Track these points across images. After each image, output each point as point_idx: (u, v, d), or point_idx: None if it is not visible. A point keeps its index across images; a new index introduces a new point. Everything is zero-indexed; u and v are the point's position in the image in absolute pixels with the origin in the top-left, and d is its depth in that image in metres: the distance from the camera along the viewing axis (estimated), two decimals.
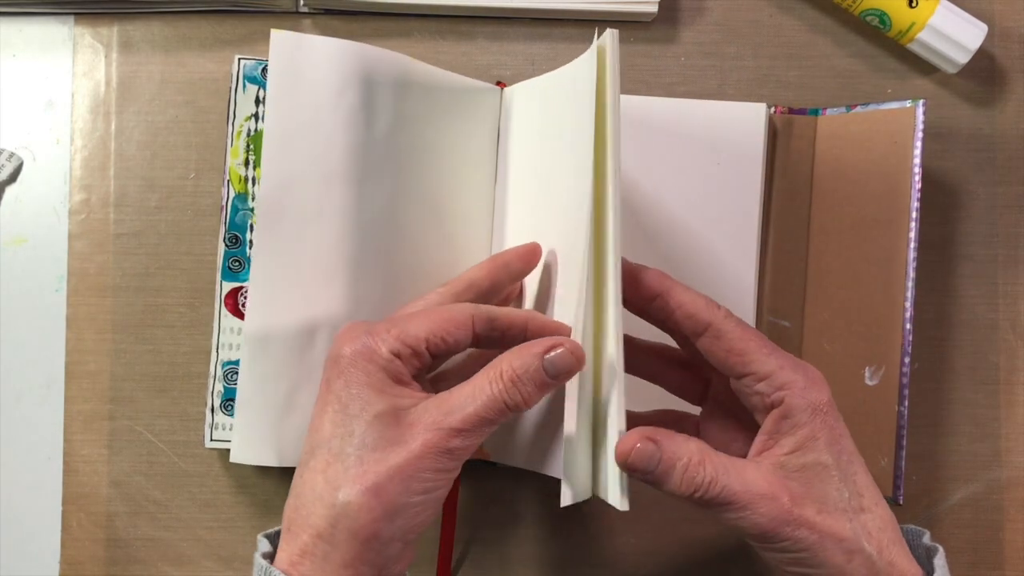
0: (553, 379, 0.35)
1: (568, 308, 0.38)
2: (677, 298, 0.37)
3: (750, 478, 0.35)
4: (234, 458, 0.43)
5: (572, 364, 0.35)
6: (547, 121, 0.43)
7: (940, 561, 0.37)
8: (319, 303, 0.42)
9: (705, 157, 0.47)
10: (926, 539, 0.38)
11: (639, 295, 0.38)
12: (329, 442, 0.35)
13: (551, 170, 0.43)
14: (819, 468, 0.36)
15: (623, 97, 0.45)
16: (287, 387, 0.43)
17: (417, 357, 0.36)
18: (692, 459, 0.35)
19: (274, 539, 0.37)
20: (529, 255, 0.42)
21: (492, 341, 0.37)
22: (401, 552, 0.35)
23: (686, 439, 0.36)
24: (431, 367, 0.38)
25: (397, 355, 0.35)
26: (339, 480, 0.34)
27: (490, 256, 0.42)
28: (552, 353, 0.34)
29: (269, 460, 0.43)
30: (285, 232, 0.42)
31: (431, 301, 0.40)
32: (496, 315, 0.37)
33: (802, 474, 0.36)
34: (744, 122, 0.47)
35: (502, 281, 0.41)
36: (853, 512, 0.36)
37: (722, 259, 0.47)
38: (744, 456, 0.37)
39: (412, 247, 0.44)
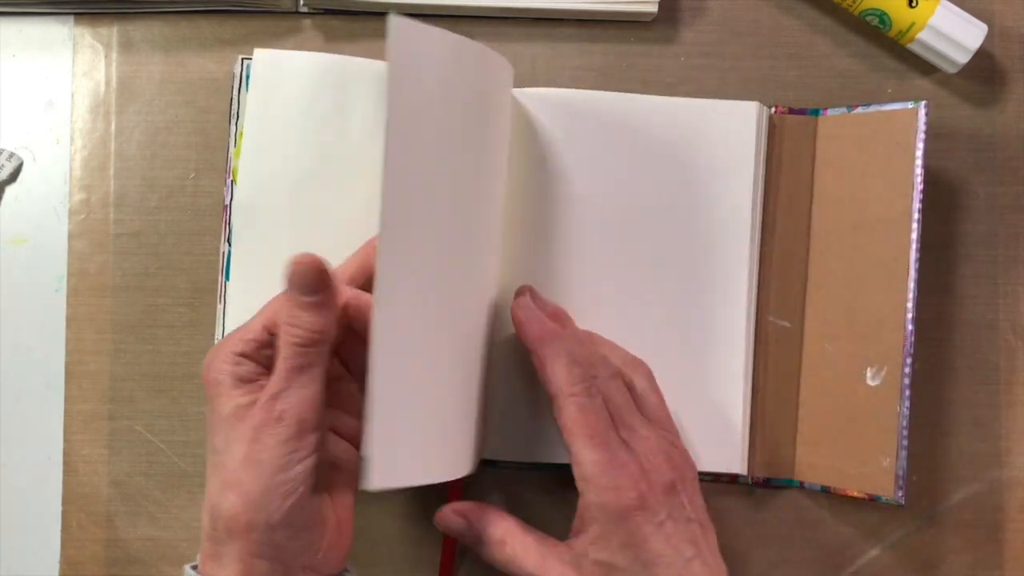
0: (308, 294, 0.36)
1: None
2: (543, 361, 0.40)
3: (548, 565, 0.38)
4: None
5: (306, 272, 0.36)
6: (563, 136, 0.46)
7: None
8: None
9: (694, 158, 0.46)
10: None
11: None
12: (207, 456, 0.38)
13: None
14: (611, 569, 0.37)
15: (610, 95, 0.47)
16: None
17: (265, 346, 0.38)
18: (496, 538, 0.39)
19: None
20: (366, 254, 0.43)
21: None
22: (296, 538, 0.36)
23: (501, 517, 0.40)
24: None
25: (243, 355, 0.38)
26: (210, 488, 0.37)
27: (365, 242, 0.43)
28: (288, 276, 0.36)
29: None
30: (260, 233, 0.45)
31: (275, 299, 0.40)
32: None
33: (596, 569, 0.37)
34: (735, 120, 0.47)
35: (371, 266, 0.41)
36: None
37: (714, 263, 0.46)
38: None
39: None
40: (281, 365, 0.36)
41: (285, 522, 0.35)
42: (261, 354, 0.38)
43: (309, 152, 0.45)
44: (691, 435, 0.45)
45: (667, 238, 0.47)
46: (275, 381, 0.36)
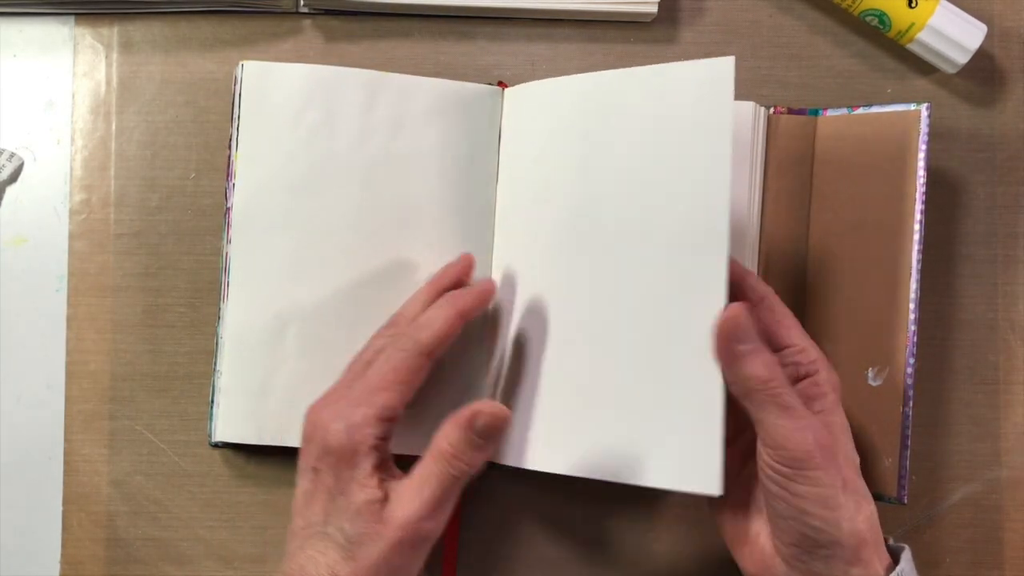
0: (486, 440, 0.38)
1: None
2: (740, 276, 0.42)
3: (802, 406, 0.38)
4: (219, 436, 0.46)
5: (495, 423, 0.38)
6: (555, 127, 0.45)
7: (907, 555, 0.39)
8: (288, 301, 0.46)
9: (667, 124, 0.41)
10: (892, 541, 0.40)
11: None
12: (325, 528, 0.38)
13: (551, 175, 0.45)
14: (844, 428, 0.40)
15: (575, 77, 0.45)
16: (262, 374, 0.46)
17: (397, 422, 0.40)
18: (774, 358, 0.38)
19: None
20: (484, 296, 0.43)
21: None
22: None
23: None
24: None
25: (383, 438, 0.39)
26: (336, 568, 0.37)
27: (445, 298, 0.43)
28: (478, 422, 0.38)
29: (250, 438, 0.46)
30: (256, 238, 0.46)
31: (408, 360, 0.40)
32: (435, 344, 0.40)
33: (834, 428, 0.40)
34: (707, 85, 0.41)
35: (457, 329, 0.42)
36: (860, 473, 0.39)
37: (686, 251, 0.42)
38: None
39: (383, 251, 0.47)
40: (431, 492, 0.38)
41: None
42: (393, 428, 0.39)
43: (299, 160, 0.46)
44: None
45: (666, 238, 0.46)
46: (421, 506, 0.38)
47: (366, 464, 0.38)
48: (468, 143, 0.47)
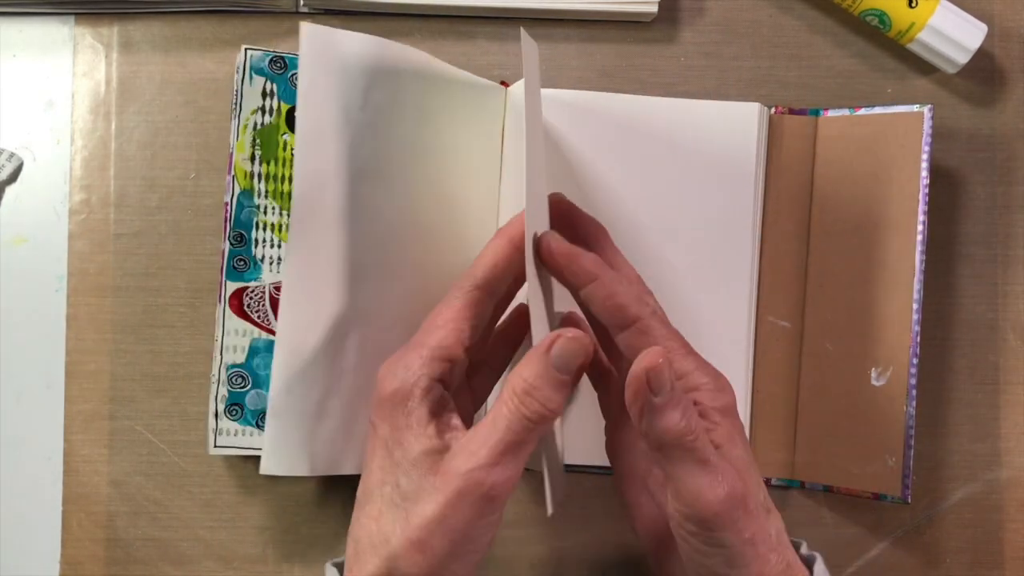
0: (566, 373, 0.34)
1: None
2: (611, 287, 0.36)
3: (716, 454, 0.34)
4: (264, 470, 0.41)
5: (578, 350, 0.34)
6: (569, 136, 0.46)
7: (820, 567, 0.37)
8: (349, 305, 0.41)
9: (696, 158, 0.46)
10: (804, 549, 0.38)
11: (574, 278, 0.37)
12: (380, 489, 0.35)
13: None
14: (746, 463, 0.35)
15: (612, 96, 0.46)
16: (319, 395, 0.41)
17: (459, 364, 0.36)
18: (691, 406, 0.34)
19: (340, 567, 0.37)
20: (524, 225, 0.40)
21: (505, 293, 0.39)
22: None
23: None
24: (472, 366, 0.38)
25: (440, 380, 0.35)
26: (388, 532, 0.34)
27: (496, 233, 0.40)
28: (556, 348, 0.33)
29: (301, 470, 0.41)
30: (317, 233, 0.41)
31: (462, 294, 0.37)
32: (487, 276, 0.37)
33: (738, 466, 0.35)
34: (736, 122, 0.46)
35: (513, 259, 0.38)
36: (767, 512, 0.35)
37: (716, 263, 0.46)
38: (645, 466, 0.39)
39: (427, 246, 0.44)
40: (500, 435, 0.33)
41: None
42: (454, 373, 0.36)
43: (365, 145, 0.41)
44: None
45: (668, 239, 0.47)
46: (487, 452, 0.33)
47: (421, 410, 0.34)
48: (491, 138, 0.47)
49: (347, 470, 0.42)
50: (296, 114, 0.40)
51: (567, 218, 0.40)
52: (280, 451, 0.41)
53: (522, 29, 0.38)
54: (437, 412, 0.35)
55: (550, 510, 0.35)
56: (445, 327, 0.36)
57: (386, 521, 0.34)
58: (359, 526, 0.35)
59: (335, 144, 0.40)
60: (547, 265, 0.37)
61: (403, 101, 0.42)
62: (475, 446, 0.33)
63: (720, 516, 0.33)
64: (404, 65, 0.42)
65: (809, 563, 0.37)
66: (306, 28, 0.40)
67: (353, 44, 0.40)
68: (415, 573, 0.33)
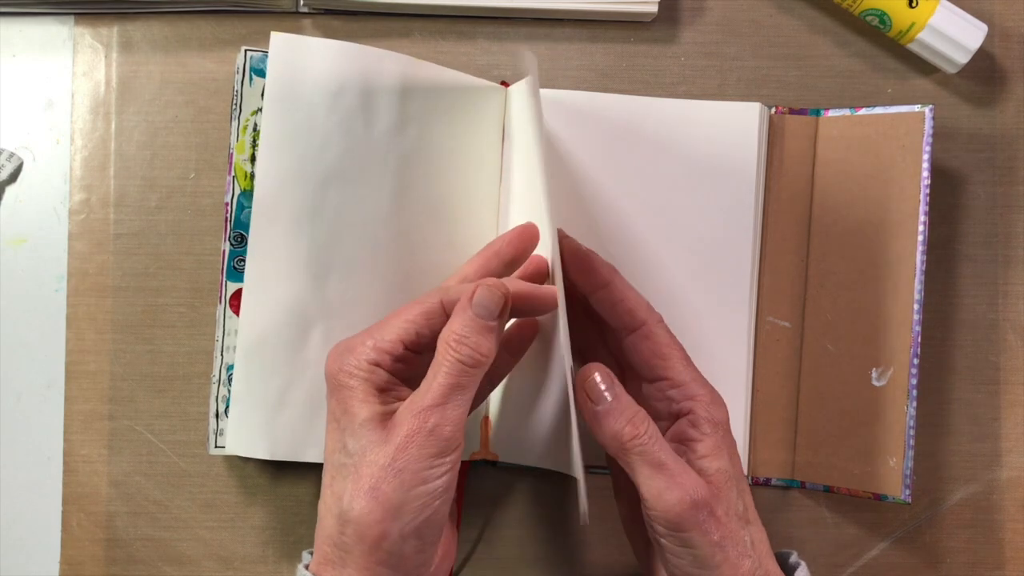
0: (490, 319, 0.36)
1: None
2: (622, 292, 0.40)
3: (677, 460, 0.37)
4: (229, 449, 0.44)
5: (495, 297, 0.36)
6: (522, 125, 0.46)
7: (803, 572, 0.39)
8: (313, 302, 0.43)
9: (696, 159, 0.46)
10: (793, 558, 0.40)
11: (590, 281, 0.40)
12: (331, 457, 0.37)
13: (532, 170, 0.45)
14: (726, 476, 0.38)
15: (612, 96, 0.47)
16: (280, 384, 0.44)
17: (399, 359, 0.37)
18: (639, 413, 0.37)
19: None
20: (519, 239, 0.42)
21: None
22: (422, 551, 0.35)
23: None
24: (420, 363, 0.38)
25: (377, 364, 0.37)
26: (341, 490, 0.35)
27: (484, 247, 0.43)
28: (476, 296, 0.36)
29: (262, 453, 0.44)
30: (280, 232, 0.43)
31: (426, 301, 0.39)
32: (456, 294, 0.38)
33: (714, 478, 0.37)
34: (737, 122, 0.47)
35: (494, 270, 0.42)
36: (744, 522, 0.37)
37: (716, 263, 0.46)
38: None
39: (413, 247, 0.45)
40: (440, 380, 0.36)
41: (416, 534, 0.35)
42: (394, 366, 0.37)
43: (334, 148, 0.42)
44: None
45: (669, 239, 0.47)
46: (430, 395, 0.35)
47: (365, 385, 0.36)
48: (489, 138, 0.47)
49: (309, 457, 0.44)
50: (261, 119, 0.43)
51: (577, 260, 0.41)
52: (241, 433, 0.44)
53: (528, 52, 0.40)
54: (383, 389, 0.37)
55: (584, 520, 0.39)
56: (396, 325, 0.38)
57: (338, 483, 0.36)
58: (320, 501, 0.37)
59: (298, 147, 0.42)
60: (565, 262, 0.39)
61: (378, 105, 0.43)
62: (419, 396, 0.36)
63: (683, 517, 0.36)
64: (380, 69, 0.43)
65: (792, 571, 0.39)
66: (275, 38, 0.42)
67: (323, 50, 0.42)
68: (368, 521, 0.34)
